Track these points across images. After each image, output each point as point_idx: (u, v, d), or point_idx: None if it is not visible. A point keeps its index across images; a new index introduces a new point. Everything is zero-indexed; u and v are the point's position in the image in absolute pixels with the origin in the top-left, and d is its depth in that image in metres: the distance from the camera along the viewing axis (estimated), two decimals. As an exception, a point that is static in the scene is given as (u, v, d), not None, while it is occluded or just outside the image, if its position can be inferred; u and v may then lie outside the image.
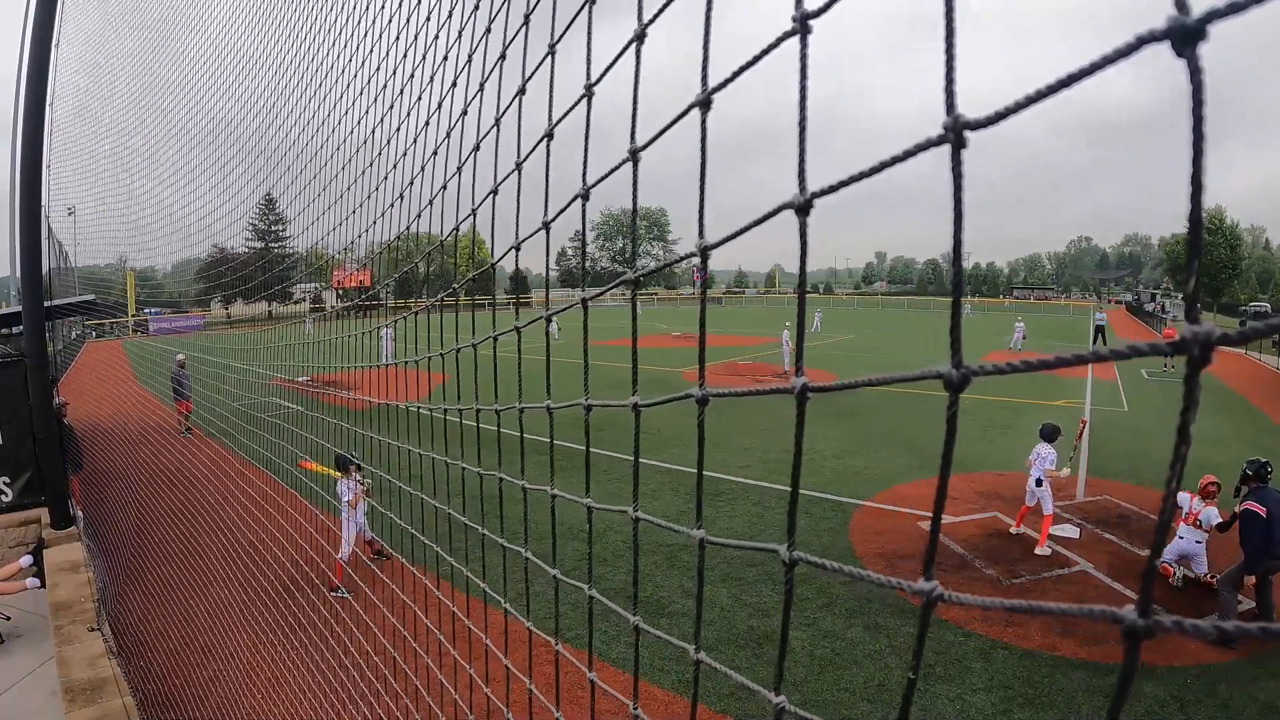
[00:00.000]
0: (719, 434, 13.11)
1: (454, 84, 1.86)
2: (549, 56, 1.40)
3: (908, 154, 0.63)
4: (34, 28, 6.58)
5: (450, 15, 2.01)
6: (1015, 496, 9.17)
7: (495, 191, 1.74)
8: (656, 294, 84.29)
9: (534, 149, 1.49)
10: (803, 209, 0.76)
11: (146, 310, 36.66)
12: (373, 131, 2.84)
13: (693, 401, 0.93)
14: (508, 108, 1.64)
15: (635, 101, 1.11)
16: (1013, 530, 8.09)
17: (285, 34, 4.52)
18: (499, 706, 1.69)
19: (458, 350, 2.00)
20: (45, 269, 8.86)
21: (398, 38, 2.46)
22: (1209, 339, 0.45)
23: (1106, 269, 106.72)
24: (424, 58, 2.14)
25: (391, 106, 2.58)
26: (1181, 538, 6.80)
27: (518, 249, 1.63)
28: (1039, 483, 7.62)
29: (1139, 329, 44.14)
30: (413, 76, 2.32)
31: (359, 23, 3.04)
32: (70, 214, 14.88)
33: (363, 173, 2.98)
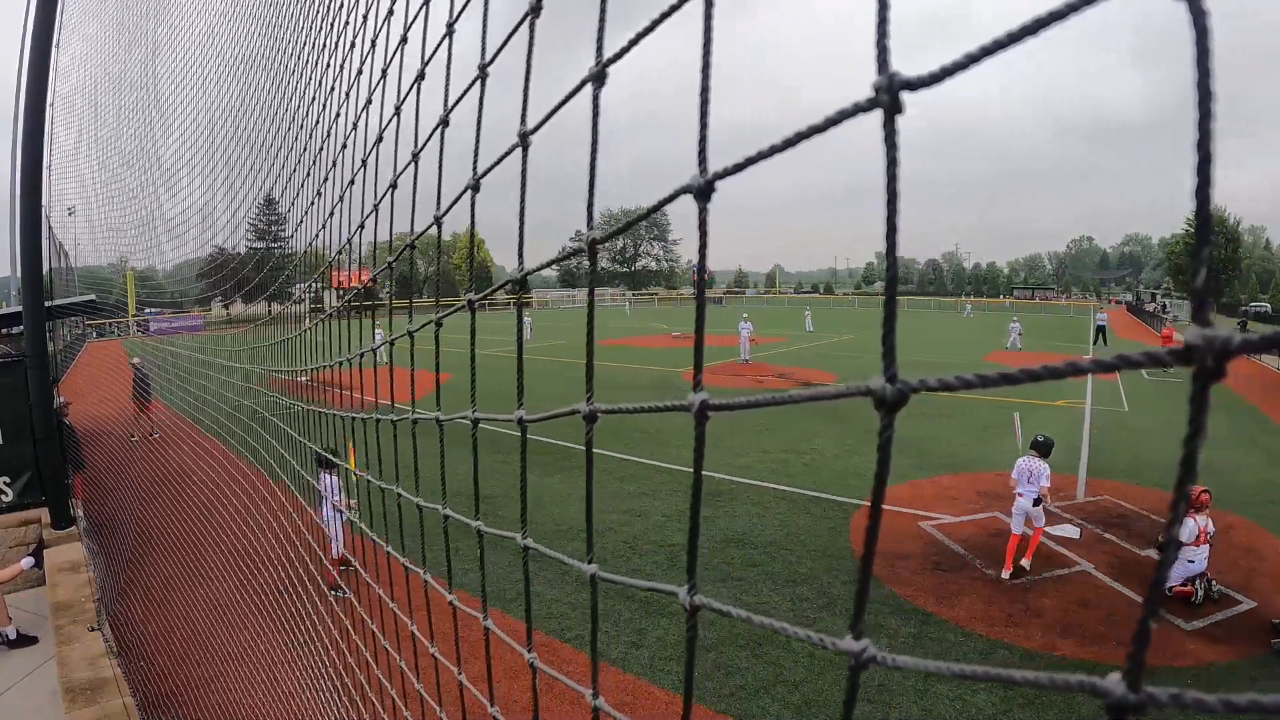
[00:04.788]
0: (717, 433, 13.11)
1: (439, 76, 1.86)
2: (446, 38, 1.35)
3: (831, 122, 0.53)
4: (34, 27, 6.58)
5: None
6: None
7: (394, 186, 1.70)
8: (657, 294, 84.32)
9: (430, 138, 1.43)
10: (703, 192, 0.66)
11: (147, 310, 36.64)
12: (342, 124, 2.83)
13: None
14: (406, 93, 1.62)
15: (527, 80, 1.00)
16: (1005, 574, 6.99)
17: (279, 31, 4.51)
18: (493, 703, 1.68)
19: (371, 350, 2.02)
20: (45, 269, 8.86)
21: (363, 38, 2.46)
22: (1226, 347, 0.34)
23: (1107, 269, 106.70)
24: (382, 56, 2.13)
25: (348, 100, 2.57)
26: (1192, 561, 6.40)
27: (413, 246, 1.65)
28: (1037, 502, 6.99)
29: (1140, 329, 44.14)
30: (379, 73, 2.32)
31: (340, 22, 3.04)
32: (70, 214, 14.88)
33: (325, 178, 2.98)
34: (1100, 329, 30.45)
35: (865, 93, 0.51)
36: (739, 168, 0.63)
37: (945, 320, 50.67)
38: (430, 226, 1.44)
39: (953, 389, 0.47)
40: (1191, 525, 6.42)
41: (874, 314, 57.04)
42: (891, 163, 0.49)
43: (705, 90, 0.65)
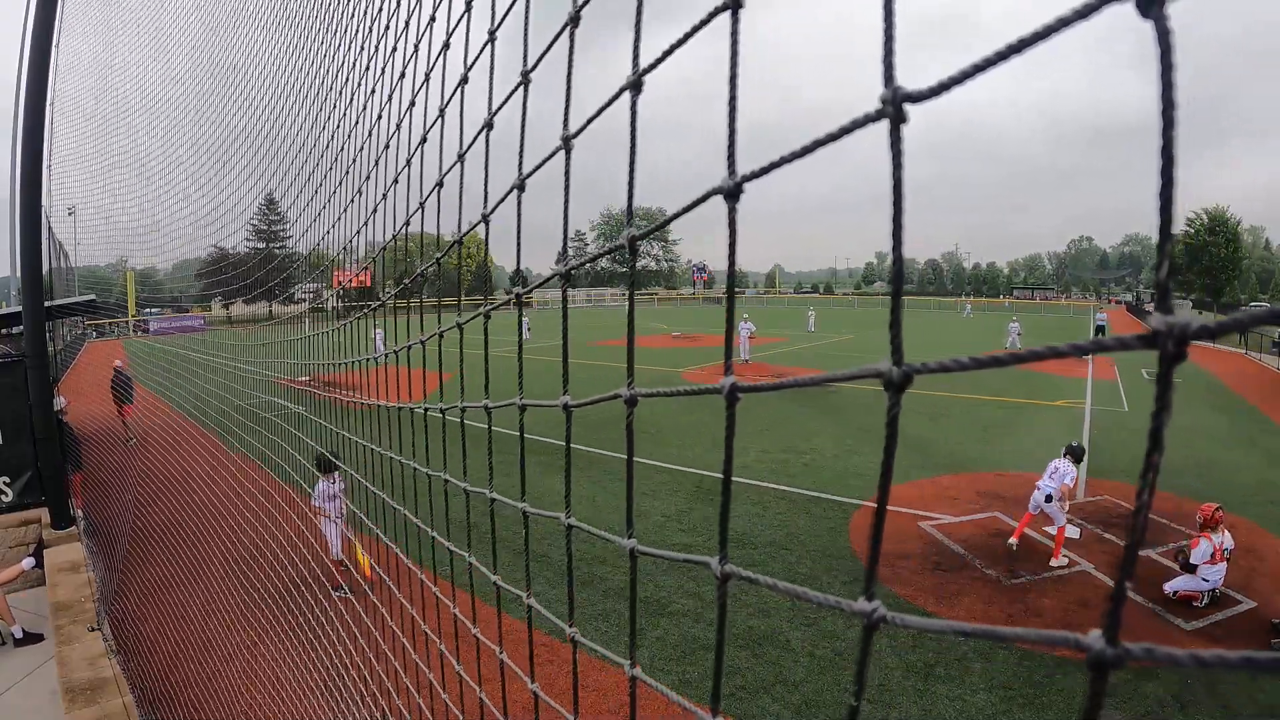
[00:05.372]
0: (718, 433, 13.11)
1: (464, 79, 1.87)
2: (489, 44, 1.41)
3: (844, 131, 0.58)
4: (34, 27, 6.58)
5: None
6: (1016, 496, 9.17)
7: (440, 185, 1.76)
8: (657, 294, 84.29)
9: (475, 139, 1.48)
10: (732, 194, 0.72)
11: (147, 310, 36.66)
12: (348, 124, 2.85)
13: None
14: (450, 98, 1.67)
15: (569, 86, 1.07)
16: (1011, 542, 7.64)
17: (280, 32, 4.52)
18: (494, 705, 1.69)
19: (409, 346, 2.05)
20: (45, 269, 8.86)
21: (377, 36, 2.48)
22: (1185, 332, 0.39)
23: (1107, 269, 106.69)
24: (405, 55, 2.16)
25: (370, 99, 2.60)
26: (1206, 580, 6.33)
27: (460, 241, 1.69)
28: (1049, 499, 7.36)
29: (1139, 329, 44.08)
30: (400, 73, 2.33)
31: (349, 22, 3.05)
32: (70, 214, 14.88)
33: (347, 173, 2.99)
34: (1100, 329, 30.52)
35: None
36: (764, 171, 0.68)
37: (945, 320, 50.66)
38: (478, 224, 1.49)
39: (950, 370, 0.52)
40: (1206, 545, 6.31)
41: (874, 314, 56.99)
42: (897, 167, 0.52)
43: (733, 100, 0.70)
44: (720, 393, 0.75)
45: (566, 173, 1.08)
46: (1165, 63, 0.39)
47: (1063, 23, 0.44)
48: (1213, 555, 6.31)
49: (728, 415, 0.76)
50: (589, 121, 1.00)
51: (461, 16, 1.54)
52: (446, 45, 1.70)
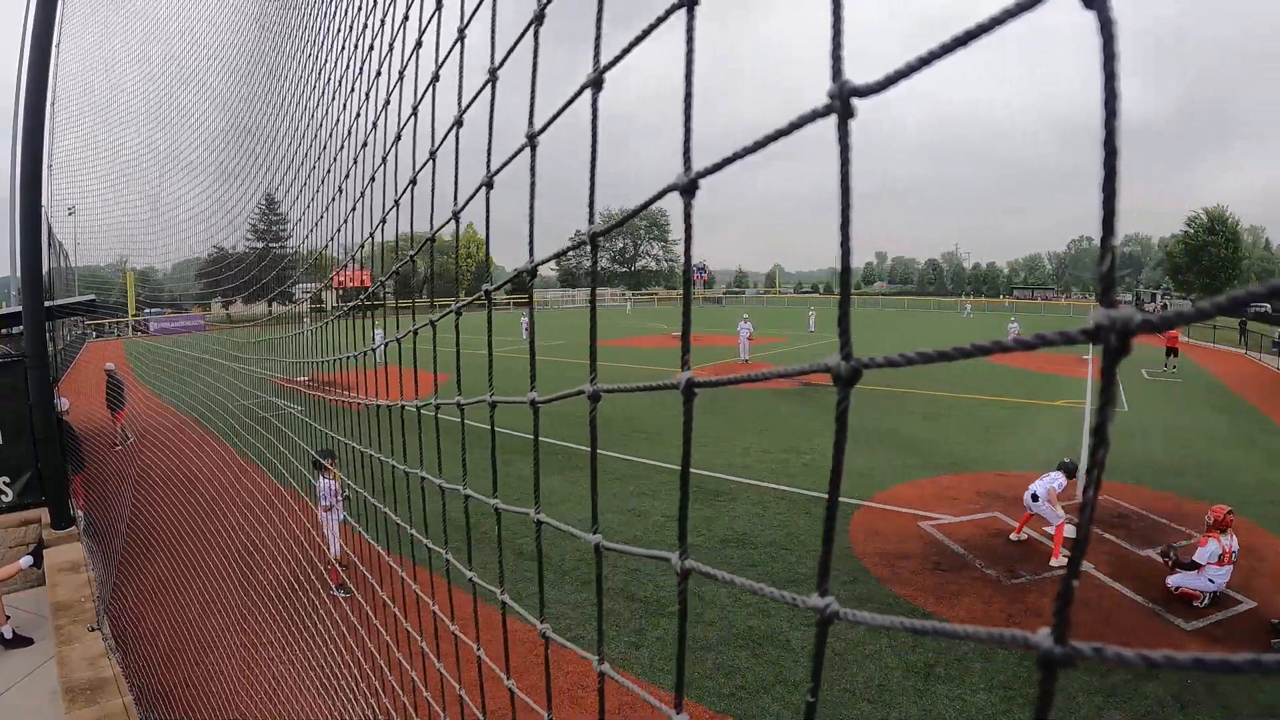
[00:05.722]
0: (718, 434, 13.12)
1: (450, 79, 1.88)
2: (458, 43, 1.43)
3: (794, 126, 0.59)
4: (34, 27, 6.58)
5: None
6: (1016, 496, 9.16)
7: (414, 182, 1.79)
8: (657, 294, 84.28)
9: (445, 136, 1.51)
10: (687, 190, 0.73)
11: (147, 310, 36.67)
12: (348, 125, 2.85)
13: (693, 401, 0.87)
14: (423, 95, 1.69)
15: (534, 85, 1.09)
16: (1013, 537, 8.00)
17: (277, 33, 4.52)
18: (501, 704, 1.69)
19: (388, 343, 2.08)
20: (45, 269, 8.86)
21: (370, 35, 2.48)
22: (1128, 326, 0.39)
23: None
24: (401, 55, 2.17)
25: (367, 102, 2.61)
26: (1212, 580, 6.31)
27: (433, 239, 1.70)
28: (1035, 498, 7.62)
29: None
30: (392, 74, 2.35)
31: (339, 21, 3.05)
32: (70, 214, 14.88)
33: (329, 171, 3.00)
34: (1100, 329, 30.58)
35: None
36: (718, 167, 0.69)
37: (945, 320, 50.65)
38: (448, 221, 1.53)
39: (898, 365, 0.52)
40: (1214, 546, 6.30)
41: (873, 314, 57.03)
42: (845, 161, 0.54)
43: (689, 97, 0.71)
44: (677, 388, 0.77)
45: (532, 169, 1.10)
46: (1108, 53, 0.39)
47: (1007, 14, 0.44)
48: (1220, 557, 6.29)
49: (685, 410, 0.77)
50: (552, 120, 1.01)
51: (432, 16, 1.56)
52: (419, 44, 1.71)
